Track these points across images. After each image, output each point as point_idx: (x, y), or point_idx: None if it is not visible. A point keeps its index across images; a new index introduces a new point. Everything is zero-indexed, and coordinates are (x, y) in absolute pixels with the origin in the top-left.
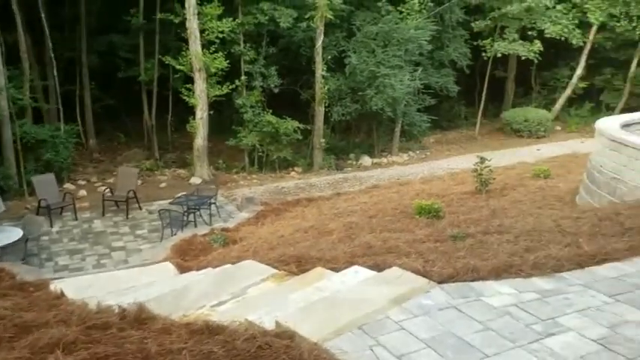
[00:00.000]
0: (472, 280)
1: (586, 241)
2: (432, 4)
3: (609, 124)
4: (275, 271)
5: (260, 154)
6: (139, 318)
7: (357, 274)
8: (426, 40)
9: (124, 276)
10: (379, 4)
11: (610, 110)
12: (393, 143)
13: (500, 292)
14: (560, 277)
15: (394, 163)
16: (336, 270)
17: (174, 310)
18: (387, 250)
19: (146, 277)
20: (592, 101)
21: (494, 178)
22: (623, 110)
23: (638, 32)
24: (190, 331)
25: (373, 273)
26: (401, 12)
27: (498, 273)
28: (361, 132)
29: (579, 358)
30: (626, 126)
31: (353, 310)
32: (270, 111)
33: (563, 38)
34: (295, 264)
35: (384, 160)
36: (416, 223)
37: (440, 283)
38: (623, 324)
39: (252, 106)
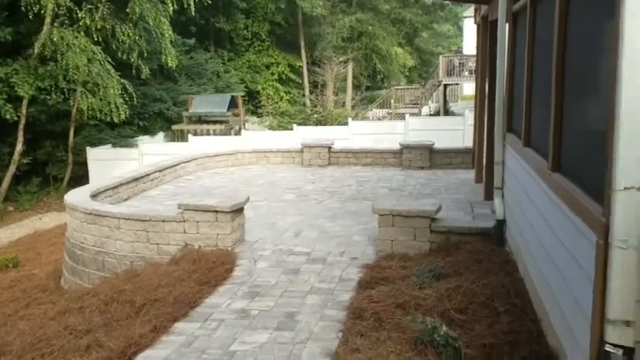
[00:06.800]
0: None
1: (105, 336)
2: None
3: (79, 197)
4: None
5: None
6: None
7: None
8: None
9: None
10: None
11: (59, 182)
12: None
13: None
14: None
15: None
16: None
17: None
18: None
19: None
20: (39, 175)
21: None
22: (71, 180)
23: (70, 103)
24: None
25: None
26: None
27: None
28: None
29: None
30: (94, 196)
31: None
32: None
33: None
34: None
35: None
36: None
37: None
38: None
39: None
